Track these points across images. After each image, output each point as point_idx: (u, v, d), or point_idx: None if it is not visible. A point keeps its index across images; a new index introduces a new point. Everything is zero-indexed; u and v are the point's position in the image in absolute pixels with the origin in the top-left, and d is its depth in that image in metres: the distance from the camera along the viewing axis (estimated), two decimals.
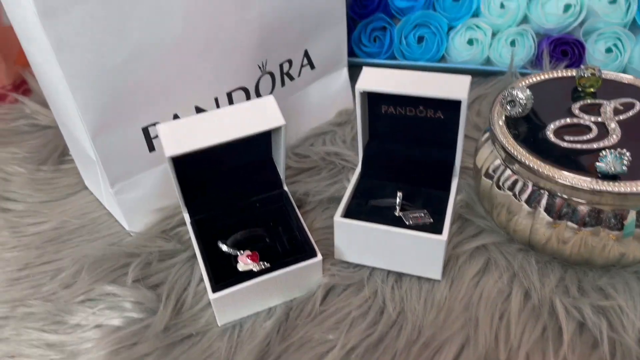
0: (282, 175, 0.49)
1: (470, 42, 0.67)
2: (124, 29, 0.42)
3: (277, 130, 0.45)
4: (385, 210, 0.49)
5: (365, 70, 0.49)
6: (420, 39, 0.69)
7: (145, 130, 0.48)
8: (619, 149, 0.42)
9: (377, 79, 0.48)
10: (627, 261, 0.45)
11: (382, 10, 0.69)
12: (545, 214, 0.44)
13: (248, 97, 0.54)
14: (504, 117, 0.49)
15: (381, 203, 0.49)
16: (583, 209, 0.43)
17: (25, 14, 0.40)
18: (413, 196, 0.50)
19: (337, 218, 0.46)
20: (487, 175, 0.49)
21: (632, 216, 0.42)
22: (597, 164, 0.42)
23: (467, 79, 0.46)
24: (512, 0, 0.65)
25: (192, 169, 0.45)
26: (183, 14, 0.45)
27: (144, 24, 0.43)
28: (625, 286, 0.44)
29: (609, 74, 0.52)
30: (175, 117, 0.49)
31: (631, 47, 0.62)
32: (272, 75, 0.55)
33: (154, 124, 0.48)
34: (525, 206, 0.45)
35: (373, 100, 0.50)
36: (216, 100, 0.51)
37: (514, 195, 0.46)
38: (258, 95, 0.55)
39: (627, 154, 0.42)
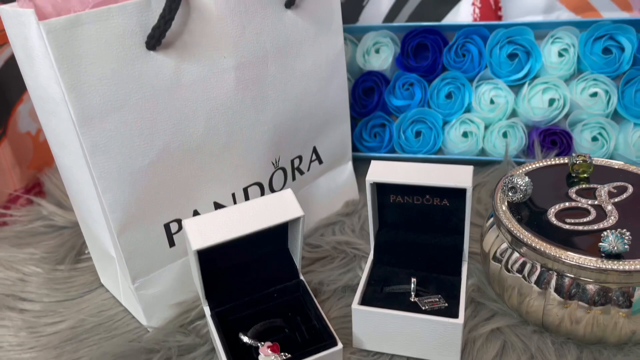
0: (298, 266, 0.51)
1: (465, 134, 0.72)
2: (152, 133, 0.46)
3: (294, 221, 0.47)
4: (401, 297, 0.50)
5: (374, 163, 0.52)
6: (418, 134, 0.73)
7: (167, 227, 0.50)
8: (619, 230, 0.44)
9: (385, 170, 0.51)
10: (636, 339, 0.46)
11: (381, 108, 0.75)
12: (555, 294, 0.46)
13: (262, 192, 0.57)
14: (506, 203, 0.52)
15: (396, 289, 0.50)
16: (592, 288, 0.45)
17: (59, 122, 0.44)
18: (426, 282, 0.52)
19: (355, 306, 0.48)
20: (495, 259, 0.51)
21: (638, 293, 0.44)
22: (600, 244, 0.44)
23: (469, 169, 0.50)
24: (501, 96, 0.71)
25: (213, 262, 0.47)
26: (205, 117, 0.49)
27: (170, 128, 0.47)
28: None
29: (599, 160, 0.56)
30: (195, 213, 0.52)
31: (615, 135, 0.67)
32: (284, 170, 0.59)
33: (175, 220, 0.51)
34: (536, 287, 0.47)
35: (381, 190, 0.53)
36: (233, 195, 0.54)
37: (524, 277, 0.48)
38: (272, 189, 0.58)
39: (627, 233, 0.44)
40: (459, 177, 0.49)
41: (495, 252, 0.51)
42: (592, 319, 0.45)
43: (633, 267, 0.43)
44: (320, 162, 0.63)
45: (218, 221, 0.45)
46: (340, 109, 0.63)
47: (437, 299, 0.49)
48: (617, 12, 0.73)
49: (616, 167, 0.55)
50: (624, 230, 0.44)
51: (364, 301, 0.49)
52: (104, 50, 0.41)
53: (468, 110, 0.73)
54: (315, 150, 0.62)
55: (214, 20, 0.47)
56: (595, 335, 0.46)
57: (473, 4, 0.78)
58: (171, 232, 0.51)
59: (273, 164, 0.57)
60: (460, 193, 0.50)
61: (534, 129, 0.71)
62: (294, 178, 0.60)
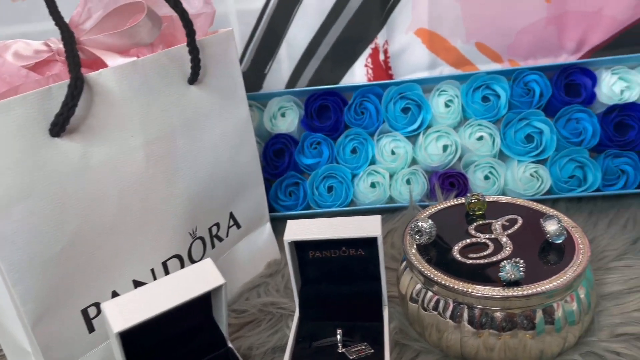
0: (225, 333, 0.51)
1: (372, 185, 0.76)
2: (62, 219, 0.45)
3: (216, 290, 0.48)
4: (329, 350, 0.51)
5: (290, 223, 0.54)
6: (330, 189, 0.77)
7: (85, 312, 0.49)
8: (514, 259, 0.49)
9: (301, 228, 0.53)
10: (547, 356, 0.50)
11: (293, 168, 0.78)
12: (469, 326, 0.50)
13: (182, 264, 0.57)
14: (415, 246, 0.55)
15: (323, 343, 0.52)
16: (499, 315, 0.49)
17: None
18: (352, 331, 0.54)
19: None
20: (412, 299, 0.54)
21: (539, 315, 0.49)
22: (500, 274, 0.49)
23: (377, 218, 0.53)
24: (400, 147, 0.76)
25: (137, 343, 0.46)
26: (117, 197, 0.49)
27: (81, 211, 0.47)
28: None
29: (492, 197, 0.62)
30: (114, 294, 0.51)
31: (504, 172, 0.75)
32: (202, 239, 0.59)
33: (93, 305, 0.49)
34: (451, 322, 0.50)
35: (300, 248, 0.55)
36: (152, 271, 0.54)
37: (439, 313, 0.51)
38: (191, 260, 0.58)
39: (521, 262, 0.49)
40: (369, 227, 0.52)
41: (412, 293, 0.54)
42: (503, 344, 0.49)
43: (530, 291, 0.48)
44: (239, 226, 0.65)
45: (138, 300, 0.44)
46: (252, 173, 0.65)
47: (363, 347, 0.51)
48: (490, 64, 0.83)
49: (505, 201, 0.62)
50: (518, 259, 0.49)
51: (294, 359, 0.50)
52: (7, 141, 0.41)
53: (373, 162, 0.78)
54: (232, 216, 0.63)
55: (119, 102, 0.48)
56: (509, 359, 0.50)
57: (366, 65, 0.85)
58: (90, 317, 0.49)
59: (190, 235, 0.57)
60: (372, 242, 0.53)
61: (434, 174, 0.77)
62: (213, 246, 0.61)
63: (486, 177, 0.75)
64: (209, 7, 0.58)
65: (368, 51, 0.84)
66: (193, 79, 0.55)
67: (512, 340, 0.49)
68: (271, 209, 0.77)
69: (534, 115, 0.74)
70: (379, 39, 0.83)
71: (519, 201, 0.61)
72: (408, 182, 0.76)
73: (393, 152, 0.77)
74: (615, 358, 0.50)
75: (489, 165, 0.75)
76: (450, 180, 0.75)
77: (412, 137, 0.77)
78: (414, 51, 0.83)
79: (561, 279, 0.48)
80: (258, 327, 0.58)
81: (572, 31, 0.79)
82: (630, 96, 0.73)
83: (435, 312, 0.51)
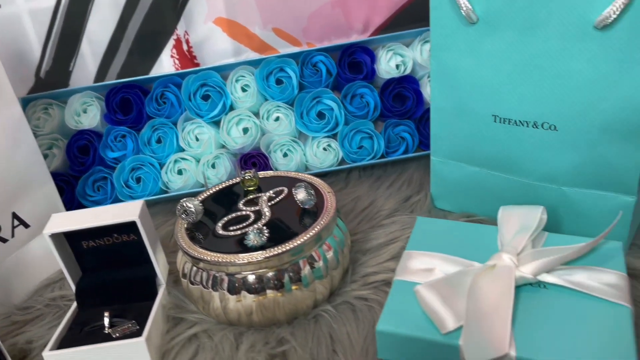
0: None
1: (180, 172, 0.79)
2: None
3: None
4: (98, 332, 0.54)
5: (53, 217, 0.56)
6: (139, 179, 0.79)
7: None
8: (257, 226, 0.54)
9: (63, 221, 0.55)
10: (302, 310, 0.56)
11: (99, 163, 0.79)
12: (228, 294, 0.54)
13: None
14: (185, 225, 0.59)
15: (94, 327, 0.54)
16: (251, 279, 0.53)
17: None
18: (127, 313, 0.56)
19: (46, 352, 0.50)
20: (184, 276, 0.58)
21: (286, 274, 0.54)
22: (245, 241, 0.54)
23: (140, 203, 0.56)
24: (204, 133, 0.80)
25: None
26: None
27: None
28: (302, 331, 0.54)
29: (270, 173, 0.67)
30: None
31: (301, 149, 0.80)
32: None
33: None
34: (214, 292, 0.54)
35: (72, 239, 0.57)
36: None
37: (204, 285, 0.55)
38: None
39: (265, 228, 0.54)
40: (129, 212, 0.55)
41: (183, 269, 0.58)
42: (258, 306, 0.54)
43: (271, 253, 0.52)
44: (26, 226, 0.65)
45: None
46: (36, 173, 0.66)
47: (129, 325, 0.54)
48: (290, 48, 0.87)
49: (282, 175, 0.67)
50: (262, 226, 0.54)
51: (62, 345, 0.52)
52: None
53: (180, 150, 0.80)
54: (16, 216, 0.63)
55: None
56: (268, 318, 0.55)
57: (172, 56, 0.87)
58: None
59: None
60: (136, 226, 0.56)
61: (241, 156, 0.81)
62: None
63: (285, 155, 0.80)
64: None
65: (171, 42, 0.86)
66: None
67: (266, 300, 0.54)
68: (80, 205, 0.78)
69: (324, 93, 0.80)
70: (179, 30, 0.85)
71: (293, 174, 0.66)
72: (213, 166, 0.79)
73: (197, 139, 0.80)
74: (363, 303, 0.57)
75: (287, 144, 0.80)
76: (252, 160, 0.80)
77: (215, 123, 0.81)
78: (216, 40, 0.86)
79: (300, 240, 0.54)
80: (42, 322, 0.59)
81: (356, 13, 0.85)
82: (406, 70, 0.80)
83: (201, 286, 0.55)
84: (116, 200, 0.79)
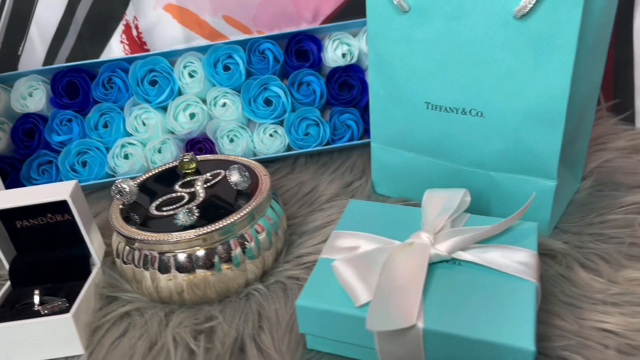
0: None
1: (126, 156, 0.80)
2: None
3: None
4: (28, 310, 0.54)
5: None
6: (84, 164, 0.79)
7: None
8: (187, 207, 0.55)
9: None
10: (234, 289, 0.57)
11: (44, 147, 0.79)
12: (159, 273, 0.55)
13: None
14: (121, 205, 0.60)
15: (24, 305, 0.55)
16: (182, 258, 0.55)
17: None
18: (59, 291, 0.57)
19: None
20: (118, 255, 0.58)
21: (217, 253, 0.55)
22: (174, 220, 0.55)
23: (72, 183, 0.57)
24: (151, 118, 0.80)
25: None
26: None
27: None
28: (231, 309, 0.55)
29: (210, 156, 0.68)
30: None
31: (248, 135, 0.81)
32: None
33: None
34: (145, 271, 0.55)
35: (5, 218, 0.57)
36: None
37: (136, 265, 0.56)
38: None
39: (195, 209, 0.55)
40: (60, 191, 0.56)
41: (117, 249, 0.58)
42: (189, 284, 0.55)
43: (202, 232, 0.54)
44: None
45: None
46: None
47: (59, 303, 0.54)
48: (240, 35, 0.88)
49: (222, 158, 0.68)
50: (193, 207, 0.55)
51: None
52: None
53: (127, 135, 0.81)
54: None
55: None
56: (199, 297, 0.56)
57: (121, 41, 0.87)
58: None
59: None
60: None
61: (187, 141, 0.81)
62: None
63: (231, 140, 0.81)
64: None
65: (121, 28, 0.86)
66: None
67: (196, 279, 0.55)
68: None
69: (271, 80, 0.81)
70: (128, 16, 0.85)
71: (232, 157, 0.68)
72: (159, 151, 0.80)
73: (144, 124, 0.80)
74: (294, 283, 0.58)
75: (233, 129, 0.81)
76: (199, 145, 0.80)
77: (163, 108, 0.81)
78: (166, 26, 0.86)
79: (230, 220, 0.55)
80: None
81: (305, 2, 0.87)
82: (352, 59, 0.82)
83: (133, 265, 0.56)
84: None
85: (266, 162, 0.83)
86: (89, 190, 0.80)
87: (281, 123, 0.82)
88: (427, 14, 0.58)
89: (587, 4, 0.52)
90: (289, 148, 0.82)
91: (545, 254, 0.58)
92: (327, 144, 0.82)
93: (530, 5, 0.51)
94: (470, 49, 0.57)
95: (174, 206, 0.58)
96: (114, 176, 0.81)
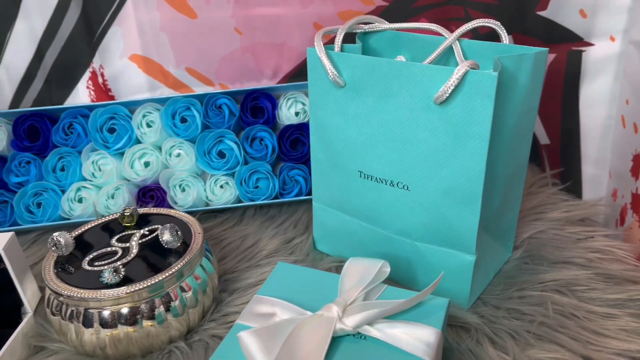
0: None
1: (80, 200, 0.82)
2: None
3: None
4: None
5: None
6: (39, 205, 0.82)
7: None
8: (113, 265, 0.58)
9: None
10: (157, 346, 0.59)
11: (1, 187, 0.82)
12: (84, 327, 0.57)
13: None
14: (55, 257, 0.62)
15: None
16: (106, 314, 0.57)
17: None
18: None
19: None
20: (48, 305, 0.60)
21: (140, 311, 0.57)
22: (100, 278, 0.57)
23: (8, 235, 0.59)
24: (108, 164, 0.83)
25: None
26: None
27: None
28: None
29: (154, 209, 0.71)
30: None
31: (201, 185, 0.84)
32: None
33: None
34: (71, 325, 0.57)
35: None
36: None
37: (62, 317, 0.58)
38: None
39: (121, 268, 0.57)
40: None
41: (48, 299, 0.60)
42: (112, 339, 0.57)
43: (124, 292, 0.56)
44: None
45: None
46: None
47: None
48: (203, 87, 0.92)
49: (165, 213, 0.70)
50: (120, 265, 0.58)
51: None
52: None
53: (83, 179, 0.83)
54: None
55: None
56: (122, 352, 0.58)
57: (88, 87, 0.90)
58: None
59: None
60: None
61: (139, 188, 0.84)
62: None
63: (183, 190, 0.84)
64: None
65: (87, 74, 0.90)
66: None
67: (119, 335, 0.57)
68: None
69: (226, 134, 0.84)
70: (95, 64, 0.89)
71: (173, 212, 0.70)
72: (112, 196, 0.82)
73: (100, 169, 0.83)
74: (216, 341, 0.60)
75: (185, 179, 0.83)
76: (151, 193, 0.83)
77: (119, 155, 0.84)
78: (131, 75, 0.90)
79: (156, 280, 0.57)
80: None
81: (266, 59, 0.90)
82: (305, 117, 0.85)
83: (60, 317, 0.58)
84: (15, 224, 0.81)
85: (217, 211, 0.86)
86: (42, 230, 0.82)
87: (233, 175, 0.85)
88: (360, 91, 0.61)
89: (507, 93, 0.55)
90: (238, 200, 0.85)
91: (461, 327, 0.60)
92: (276, 197, 0.84)
93: (447, 95, 0.55)
94: (397, 126, 0.60)
95: (107, 261, 0.60)
96: (68, 219, 0.83)
